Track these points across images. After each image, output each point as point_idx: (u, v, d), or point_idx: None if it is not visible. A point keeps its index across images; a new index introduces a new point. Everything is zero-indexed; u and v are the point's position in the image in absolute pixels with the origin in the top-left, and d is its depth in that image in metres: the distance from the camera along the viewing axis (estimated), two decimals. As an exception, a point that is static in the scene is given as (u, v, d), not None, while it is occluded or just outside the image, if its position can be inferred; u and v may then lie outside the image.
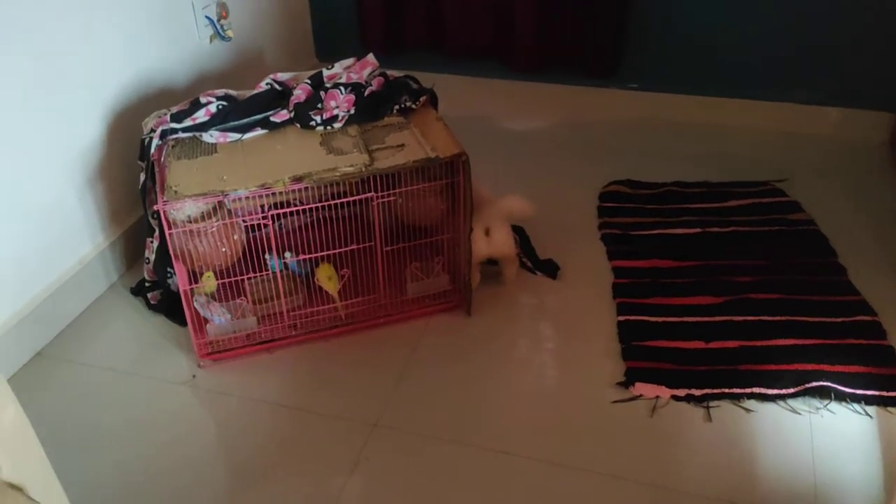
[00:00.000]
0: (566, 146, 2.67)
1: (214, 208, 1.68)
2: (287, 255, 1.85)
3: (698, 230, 2.20)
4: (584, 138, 2.71)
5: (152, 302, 1.94)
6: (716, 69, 2.67)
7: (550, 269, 2.07)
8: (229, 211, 1.72)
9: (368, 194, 1.71)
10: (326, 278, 1.86)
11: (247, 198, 1.66)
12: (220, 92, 1.90)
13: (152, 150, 1.77)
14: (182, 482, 1.55)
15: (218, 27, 2.34)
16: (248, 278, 1.77)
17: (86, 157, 1.94)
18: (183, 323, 1.81)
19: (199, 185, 1.63)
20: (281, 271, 1.84)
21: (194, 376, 1.78)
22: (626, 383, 1.73)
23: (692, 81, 2.72)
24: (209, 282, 1.79)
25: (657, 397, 1.71)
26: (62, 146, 1.87)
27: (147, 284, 1.95)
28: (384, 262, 1.81)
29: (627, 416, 1.66)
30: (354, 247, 1.77)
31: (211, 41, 2.36)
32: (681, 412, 1.67)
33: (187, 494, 1.53)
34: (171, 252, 1.65)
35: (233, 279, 1.76)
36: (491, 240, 1.87)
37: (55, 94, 1.82)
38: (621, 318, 1.91)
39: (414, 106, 1.89)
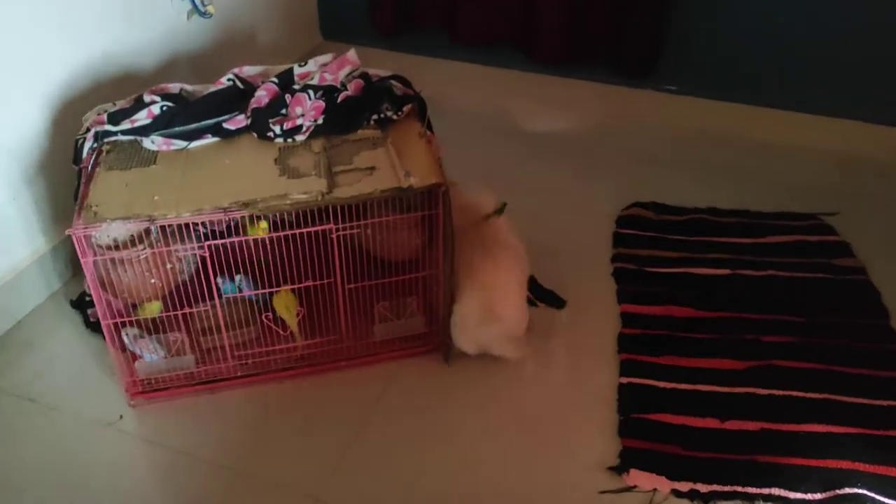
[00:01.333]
0: (587, 153, 2.35)
1: (144, 233, 1.42)
2: (237, 278, 1.59)
3: (727, 271, 1.89)
4: (609, 146, 2.39)
5: (91, 319, 1.71)
6: (768, 75, 2.32)
7: (555, 300, 1.79)
8: (170, 235, 1.46)
9: (327, 226, 1.44)
10: (284, 308, 1.60)
11: (183, 224, 1.40)
12: (175, 87, 1.63)
13: (84, 153, 1.52)
14: None
15: (196, 1, 2.06)
16: (188, 312, 1.51)
17: (24, 151, 1.70)
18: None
19: (125, 205, 1.38)
20: (233, 296, 1.59)
21: (121, 417, 1.55)
22: (620, 468, 1.46)
23: (739, 88, 2.37)
24: (151, 306, 1.55)
25: (655, 490, 1.43)
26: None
27: (87, 299, 1.72)
28: (346, 301, 1.54)
29: (616, 514, 1.39)
30: (310, 283, 1.51)
31: (189, 17, 2.08)
32: (681, 513, 1.40)
33: None
34: (90, 281, 1.40)
35: (169, 313, 1.51)
36: (496, 316, 1.58)
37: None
38: (624, 379, 1.63)
39: (395, 117, 1.60)
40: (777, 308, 1.78)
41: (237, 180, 1.44)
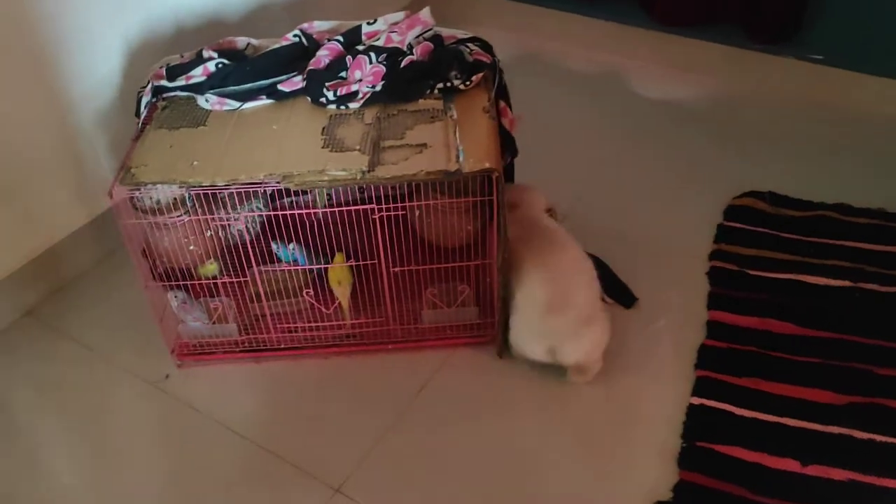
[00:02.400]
0: (704, 127, 2.09)
1: (182, 199, 1.37)
2: (291, 245, 1.52)
3: (847, 283, 1.62)
4: (731, 120, 2.11)
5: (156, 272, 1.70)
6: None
7: (625, 296, 1.61)
8: (212, 202, 1.40)
9: (368, 206, 1.33)
10: (337, 282, 1.52)
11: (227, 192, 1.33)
12: (242, 41, 1.56)
13: (142, 108, 1.48)
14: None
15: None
16: (237, 280, 1.45)
17: (102, 95, 1.68)
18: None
19: (162, 169, 1.33)
20: (289, 263, 1.53)
21: (167, 376, 1.55)
22: (671, 504, 1.29)
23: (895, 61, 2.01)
24: (208, 268, 1.52)
25: (706, 536, 1.26)
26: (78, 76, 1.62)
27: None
28: (391, 284, 1.44)
29: (655, 558, 1.24)
30: (353, 263, 1.41)
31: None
32: (731, 570, 1.22)
33: None
34: (127, 244, 1.37)
35: (213, 280, 1.47)
36: (559, 350, 1.40)
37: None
38: (696, 400, 1.43)
39: (462, 86, 1.45)
40: (899, 335, 1.51)
41: (279, 149, 1.35)
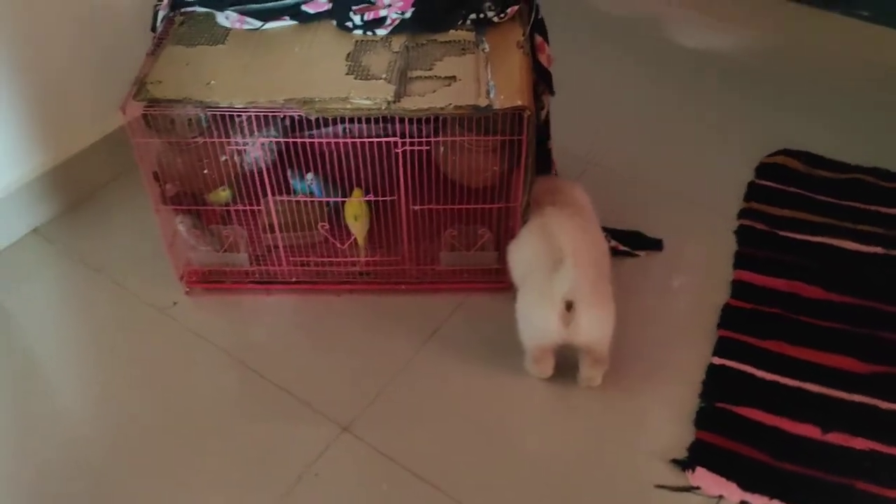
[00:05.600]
0: (740, 80, 2.01)
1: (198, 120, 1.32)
2: (309, 176, 1.47)
3: (879, 250, 1.57)
4: (769, 74, 2.02)
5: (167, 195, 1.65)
6: None
7: (653, 243, 1.57)
8: (228, 125, 1.34)
9: (392, 138, 1.27)
10: (353, 217, 1.47)
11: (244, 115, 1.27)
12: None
13: (159, 22, 1.41)
14: (94, 421, 1.35)
15: None
16: (251, 209, 1.40)
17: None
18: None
19: (177, 87, 1.26)
20: (306, 195, 1.47)
21: (175, 303, 1.51)
22: (685, 464, 1.25)
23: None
24: (220, 194, 1.47)
25: (720, 497, 1.23)
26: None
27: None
28: (410, 222, 1.39)
29: (668, 515, 1.21)
30: (371, 198, 1.36)
31: None
32: (745, 532, 1.19)
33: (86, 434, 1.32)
34: (139, 163, 1.32)
35: (228, 207, 1.42)
36: (573, 319, 1.23)
37: None
38: (717, 360, 1.39)
39: (496, 19, 1.37)
40: (931, 305, 1.46)
41: (301, 73, 1.28)
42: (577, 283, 1.21)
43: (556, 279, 1.20)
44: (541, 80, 1.39)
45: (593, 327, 1.25)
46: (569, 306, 1.21)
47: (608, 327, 1.27)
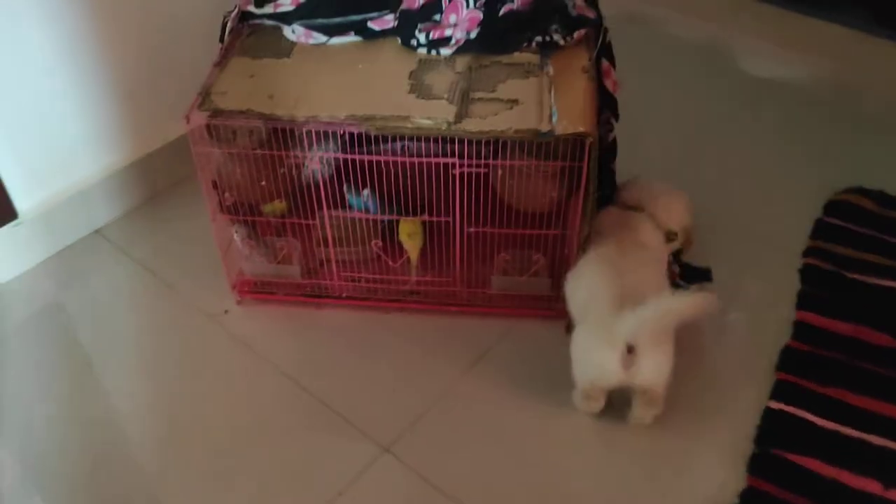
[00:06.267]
0: (812, 112, 1.94)
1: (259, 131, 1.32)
2: (365, 192, 1.46)
3: (954, 297, 1.49)
4: (843, 108, 1.95)
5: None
6: None
7: (704, 275, 1.52)
8: (289, 138, 1.34)
9: (450, 159, 1.26)
10: (407, 235, 1.47)
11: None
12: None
13: (227, 33, 1.43)
14: (132, 428, 1.35)
15: None
16: (305, 223, 1.40)
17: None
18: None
19: (241, 98, 1.27)
20: (361, 211, 1.47)
21: (226, 312, 1.52)
22: (735, 511, 1.21)
23: None
24: (276, 206, 1.48)
25: (771, 550, 1.17)
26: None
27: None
28: (464, 244, 1.37)
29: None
30: (426, 218, 1.35)
31: None
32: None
33: (127, 440, 1.33)
34: (199, 172, 1.33)
35: (283, 220, 1.42)
36: (634, 363, 1.19)
37: None
38: (774, 404, 1.34)
39: (562, 42, 1.35)
40: None
41: (363, 90, 1.28)
42: (642, 327, 1.17)
43: (620, 321, 1.16)
44: (605, 106, 1.37)
45: (654, 371, 1.21)
46: (630, 349, 1.17)
47: (668, 369, 1.22)
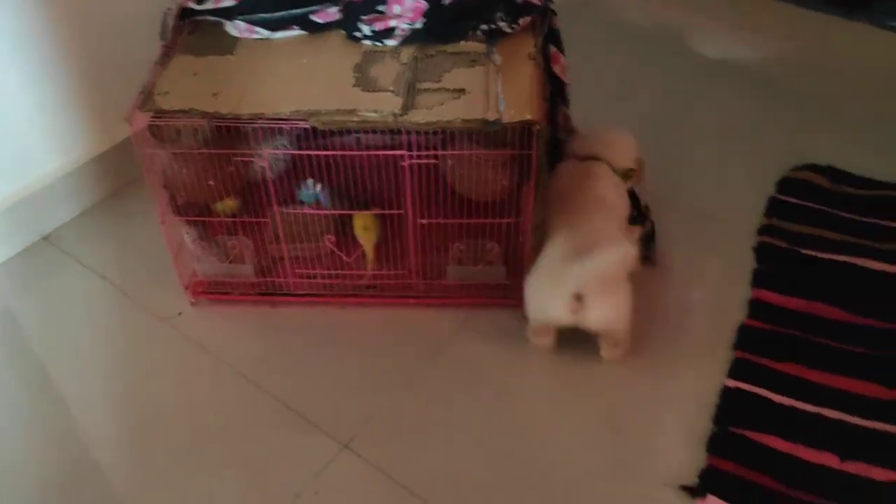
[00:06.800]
0: (763, 91, 1.96)
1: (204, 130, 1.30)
2: (316, 186, 1.45)
3: (906, 270, 1.51)
4: (793, 86, 1.97)
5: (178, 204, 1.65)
6: None
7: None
8: (234, 136, 1.32)
9: (399, 152, 1.24)
10: (362, 228, 1.45)
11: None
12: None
13: (168, 31, 1.40)
14: (91, 429, 1.33)
15: None
16: (255, 221, 1.39)
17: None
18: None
19: (184, 98, 1.25)
20: (311, 205, 1.45)
21: (181, 313, 1.49)
22: (696, 491, 1.21)
23: None
24: (227, 203, 1.46)
25: (731, 527, 1.18)
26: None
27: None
28: (417, 236, 1.36)
29: (675, 545, 1.17)
30: (377, 211, 1.33)
31: None
32: (755, 566, 1.15)
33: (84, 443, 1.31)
34: (145, 174, 1.30)
35: (234, 219, 1.40)
36: (582, 309, 1.26)
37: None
38: (731, 382, 1.35)
39: (508, 29, 1.34)
40: (959, 330, 1.40)
41: (307, 85, 1.27)
42: (587, 277, 1.24)
43: (568, 272, 1.24)
44: (555, 92, 1.37)
45: (601, 317, 1.28)
46: (578, 297, 1.24)
47: (621, 311, 1.29)
